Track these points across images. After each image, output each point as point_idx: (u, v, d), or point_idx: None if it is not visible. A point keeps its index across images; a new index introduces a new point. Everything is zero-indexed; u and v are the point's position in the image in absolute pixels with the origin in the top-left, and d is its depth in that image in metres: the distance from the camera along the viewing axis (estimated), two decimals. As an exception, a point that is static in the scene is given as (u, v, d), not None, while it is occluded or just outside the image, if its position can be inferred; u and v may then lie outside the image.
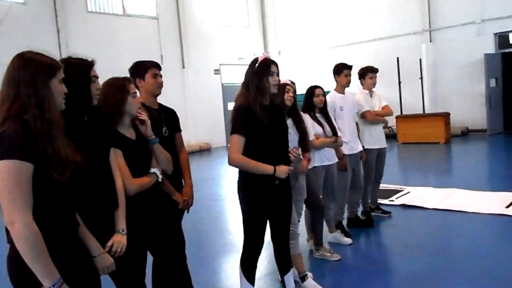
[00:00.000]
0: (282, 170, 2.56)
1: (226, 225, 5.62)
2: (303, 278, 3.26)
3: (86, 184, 1.83)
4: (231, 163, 2.57)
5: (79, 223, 1.72)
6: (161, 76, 2.84)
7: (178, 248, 2.75)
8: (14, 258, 1.51)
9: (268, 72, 2.64)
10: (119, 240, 1.94)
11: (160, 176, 2.29)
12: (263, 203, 2.65)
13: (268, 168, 2.53)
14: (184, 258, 2.83)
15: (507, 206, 4.90)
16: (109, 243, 1.91)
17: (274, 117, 2.67)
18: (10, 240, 1.51)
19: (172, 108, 2.97)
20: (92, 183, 1.90)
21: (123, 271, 2.06)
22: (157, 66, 2.84)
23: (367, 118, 4.67)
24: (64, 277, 1.53)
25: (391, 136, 12.73)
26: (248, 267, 2.76)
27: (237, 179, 2.71)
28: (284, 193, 2.76)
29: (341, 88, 4.39)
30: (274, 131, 2.64)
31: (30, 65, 1.56)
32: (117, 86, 2.22)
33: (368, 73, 4.71)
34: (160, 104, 2.88)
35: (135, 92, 2.26)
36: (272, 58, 2.74)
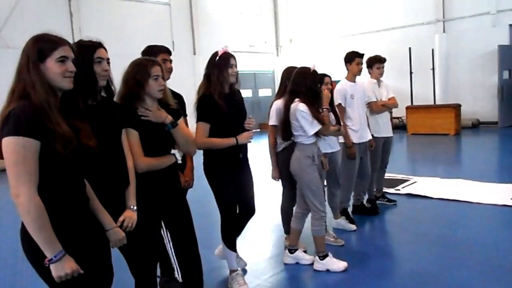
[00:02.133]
0: (244, 137, 2.98)
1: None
2: (325, 257, 3.42)
3: (97, 163, 1.92)
4: (198, 147, 2.84)
5: (89, 198, 1.81)
6: (170, 61, 2.93)
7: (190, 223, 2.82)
8: (24, 231, 1.60)
9: (228, 65, 2.96)
10: (130, 216, 2.05)
11: (179, 158, 2.37)
12: (231, 176, 3.04)
13: (231, 140, 2.93)
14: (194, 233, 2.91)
15: (512, 198, 4.94)
16: (121, 218, 2.01)
17: (233, 104, 3.01)
18: None
19: (180, 93, 3.04)
20: (103, 162, 1.98)
21: (137, 250, 2.18)
22: (167, 51, 2.91)
23: (373, 108, 4.70)
24: (71, 249, 1.62)
25: (400, 127, 12.73)
26: (228, 237, 3.16)
27: (203, 162, 3.05)
28: (246, 165, 3.22)
29: (352, 76, 4.42)
30: (233, 116, 2.99)
31: (28, 48, 1.64)
32: (140, 68, 2.28)
33: (375, 63, 4.73)
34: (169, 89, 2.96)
35: (157, 75, 2.28)
36: (231, 51, 3.06)
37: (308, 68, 3.43)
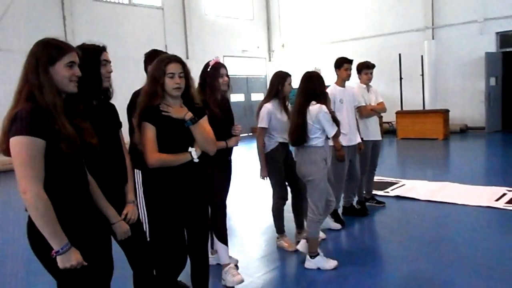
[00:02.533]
0: (233, 141, 3.30)
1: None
2: (316, 256, 3.54)
3: (99, 160, 2.01)
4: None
5: (91, 194, 1.91)
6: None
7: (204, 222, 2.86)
8: (31, 225, 1.70)
9: (218, 75, 3.22)
10: (133, 209, 2.16)
11: (195, 157, 2.36)
12: (221, 174, 3.30)
13: (222, 144, 3.16)
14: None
15: (497, 200, 5.10)
16: (125, 212, 2.12)
17: (224, 110, 3.28)
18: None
19: None
20: (104, 159, 2.08)
21: (163, 245, 2.36)
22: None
23: (361, 113, 4.84)
24: (75, 242, 1.71)
25: (390, 131, 12.93)
26: (222, 231, 3.36)
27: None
28: (230, 166, 3.50)
29: (341, 81, 4.56)
30: (225, 120, 3.27)
31: (37, 51, 1.74)
32: (157, 65, 2.35)
33: (363, 69, 4.89)
34: None
35: (172, 73, 2.31)
36: (222, 61, 3.34)
37: (318, 72, 3.59)
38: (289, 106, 4.01)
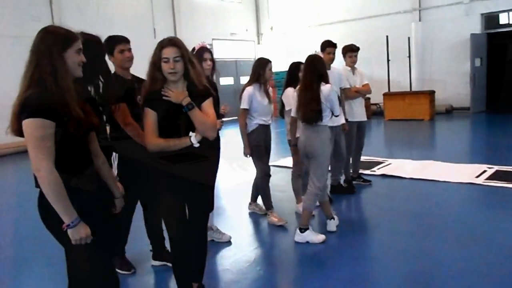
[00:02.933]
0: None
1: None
2: (305, 230, 3.72)
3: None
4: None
5: (95, 171, 2.05)
6: (129, 49, 3.10)
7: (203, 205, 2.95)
8: (41, 199, 1.84)
9: (201, 59, 3.32)
10: (121, 185, 2.29)
11: (195, 141, 2.34)
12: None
13: None
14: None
15: (477, 176, 5.34)
16: (121, 189, 2.26)
17: None
18: (37, 185, 1.84)
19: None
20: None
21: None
22: (124, 41, 3.08)
23: (346, 95, 5.00)
24: (82, 217, 1.84)
25: (378, 113, 13.14)
26: None
27: None
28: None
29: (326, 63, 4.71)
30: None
31: (48, 38, 1.84)
32: (155, 50, 2.38)
33: (348, 52, 5.05)
34: (133, 75, 3.20)
35: (167, 57, 2.33)
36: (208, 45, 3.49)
37: (319, 55, 3.91)
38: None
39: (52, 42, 1.82)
